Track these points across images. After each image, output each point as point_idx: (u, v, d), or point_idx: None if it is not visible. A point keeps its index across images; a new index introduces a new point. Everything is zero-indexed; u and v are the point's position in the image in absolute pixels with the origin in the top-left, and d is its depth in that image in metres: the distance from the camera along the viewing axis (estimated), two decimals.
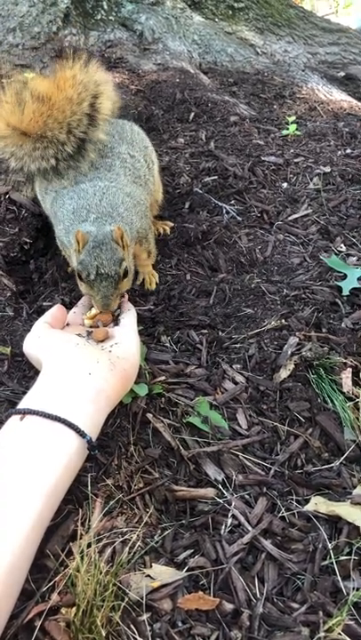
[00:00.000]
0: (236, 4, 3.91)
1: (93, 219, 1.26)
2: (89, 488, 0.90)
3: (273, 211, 1.92)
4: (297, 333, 1.27)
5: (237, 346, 1.31)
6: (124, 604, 0.77)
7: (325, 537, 0.93)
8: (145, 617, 0.78)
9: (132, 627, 0.76)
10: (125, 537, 0.86)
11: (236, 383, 1.21)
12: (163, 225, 1.74)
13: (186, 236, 1.71)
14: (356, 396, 1.18)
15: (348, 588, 0.86)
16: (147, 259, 1.56)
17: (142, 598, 0.79)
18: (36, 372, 1.06)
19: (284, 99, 2.98)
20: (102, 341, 1.08)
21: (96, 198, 1.30)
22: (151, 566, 0.84)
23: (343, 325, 1.33)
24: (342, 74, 3.82)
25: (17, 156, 1.40)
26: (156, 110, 2.60)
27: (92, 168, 1.39)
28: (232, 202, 1.95)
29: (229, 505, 0.97)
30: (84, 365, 0.96)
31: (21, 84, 1.40)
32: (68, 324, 1.16)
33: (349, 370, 1.22)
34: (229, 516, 0.95)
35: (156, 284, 1.58)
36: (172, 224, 1.76)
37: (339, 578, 0.87)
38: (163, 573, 0.83)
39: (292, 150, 2.28)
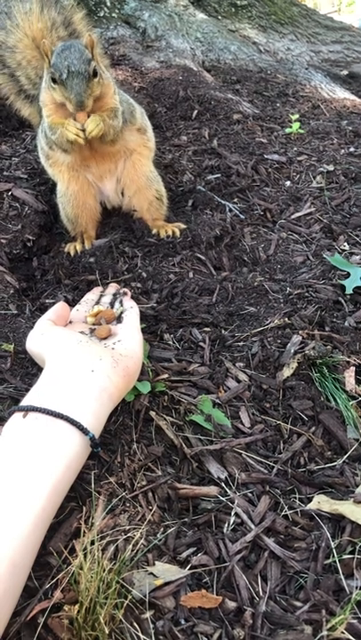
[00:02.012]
0: (239, 2, 3.91)
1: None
2: (92, 486, 0.90)
3: (276, 209, 1.91)
4: (300, 332, 1.27)
5: (240, 344, 1.31)
6: (127, 601, 0.77)
7: (328, 535, 0.92)
8: (148, 615, 0.77)
9: (134, 624, 0.76)
10: (128, 535, 0.85)
11: (239, 381, 1.20)
12: (173, 227, 1.73)
13: (198, 240, 1.70)
14: (359, 394, 1.18)
15: (351, 587, 0.85)
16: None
17: (145, 596, 0.79)
18: (39, 370, 1.06)
19: (288, 97, 2.97)
20: (105, 339, 1.07)
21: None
22: (154, 564, 0.84)
23: (346, 324, 1.32)
24: (345, 72, 3.81)
25: (29, 76, 1.73)
26: (159, 108, 2.59)
27: None
28: (235, 200, 1.94)
29: (232, 503, 0.97)
30: (87, 363, 0.95)
31: None
32: (70, 322, 1.16)
33: (353, 368, 1.22)
34: (232, 514, 0.95)
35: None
36: (183, 226, 1.75)
37: (342, 576, 0.86)
38: (166, 571, 0.83)
39: (295, 148, 2.28)
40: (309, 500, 1.00)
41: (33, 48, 1.75)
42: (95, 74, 1.34)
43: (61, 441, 0.83)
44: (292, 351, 1.23)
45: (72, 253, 1.63)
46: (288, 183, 2.06)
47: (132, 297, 1.35)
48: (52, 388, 0.91)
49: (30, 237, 1.69)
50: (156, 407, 1.11)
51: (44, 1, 1.71)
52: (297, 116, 2.56)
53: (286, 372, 1.19)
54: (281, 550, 0.90)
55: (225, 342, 1.32)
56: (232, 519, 0.94)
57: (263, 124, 2.54)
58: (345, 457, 1.08)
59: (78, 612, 0.73)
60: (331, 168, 2.08)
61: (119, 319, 1.17)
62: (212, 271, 1.64)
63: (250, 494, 1.00)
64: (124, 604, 0.76)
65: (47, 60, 1.34)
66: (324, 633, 0.78)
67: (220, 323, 1.39)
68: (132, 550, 0.83)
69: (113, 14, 3.42)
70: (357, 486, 1.02)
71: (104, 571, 0.76)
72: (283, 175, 2.11)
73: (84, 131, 1.37)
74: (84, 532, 0.83)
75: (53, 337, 1.03)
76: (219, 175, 2.03)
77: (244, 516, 0.95)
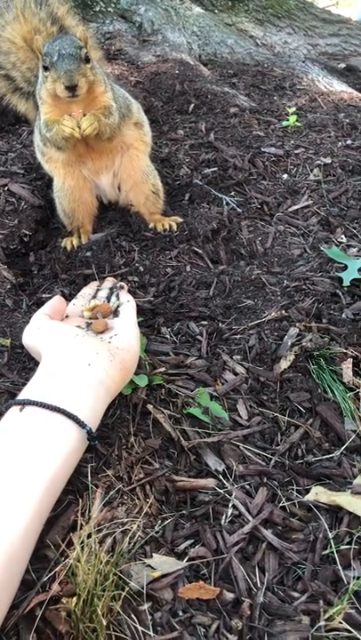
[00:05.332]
0: None
1: None
2: (89, 479, 0.90)
3: (273, 202, 1.91)
4: (297, 324, 1.27)
5: (238, 337, 1.30)
6: (124, 593, 0.77)
7: (326, 526, 0.93)
8: (146, 606, 0.78)
9: (132, 616, 0.76)
10: (126, 527, 0.86)
11: (236, 374, 1.20)
12: (170, 221, 1.73)
13: (195, 234, 1.69)
14: (356, 386, 1.18)
15: (348, 577, 0.86)
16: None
17: (143, 588, 0.79)
18: (36, 364, 1.06)
19: (285, 90, 2.96)
20: (102, 333, 1.07)
21: None
22: (152, 556, 0.84)
23: (344, 316, 1.32)
24: (343, 65, 3.79)
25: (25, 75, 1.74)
26: (156, 102, 2.58)
27: None
28: (232, 193, 1.94)
29: (230, 495, 0.97)
30: (84, 356, 0.95)
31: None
32: (67, 316, 1.16)
33: (350, 360, 1.21)
34: (230, 506, 0.95)
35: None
36: (180, 220, 1.75)
37: (339, 567, 0.87)
38: (163, 563, 0.83)
39: (292, 141, 2.27)
40: (307, 491, 1.00)
41: (26, 49, 1.74)
42: (87, 60, 1.33)
43: (58, 434, 0.83)
44: (290, 343, 1.23)
45: (69, 248, 1.63)
46: (285, 176, 2.05)
47: (129, 291, 1.34)
48: (49, 382, 0.91)
49: (27, 232, 1.68)
50: (154, 400, 1.11)
51: (25, 5, 1.69)
52: (294, 109, 2.55)
53: (284, 365, 1.19)
54: (279, 541, 0.91)
55: (222, 335, 1.32)
56: (230, 511, 0.94)
57: (260, 117, 2.52)
58: (342, 448, 1.08)
59: (76, 604, 0.73)
60: (328, 161, 2.08)
61: (116, 313, 1.17)
62: (209, 264, 1.64)
63: (247, 486, 1.00)
64: (122, 596, 0.76)
65: (40, 54, 1.34)
66: (322, 623, 0.78)
67: (217, 316, 1.39)
68: (130, 543, 0.83)
69: (109, 9, 3.40)
70: (355, 477, 1.02)
71: (101, 563, 0.76)
72: (280, 168, 2.11)
73: (80, 127, 1.37)
74: (82, 524, 0.83)
75: (50, 331, 1.03)
76: (215, 169, 2.02)
77: (242, 508, 0.95)
